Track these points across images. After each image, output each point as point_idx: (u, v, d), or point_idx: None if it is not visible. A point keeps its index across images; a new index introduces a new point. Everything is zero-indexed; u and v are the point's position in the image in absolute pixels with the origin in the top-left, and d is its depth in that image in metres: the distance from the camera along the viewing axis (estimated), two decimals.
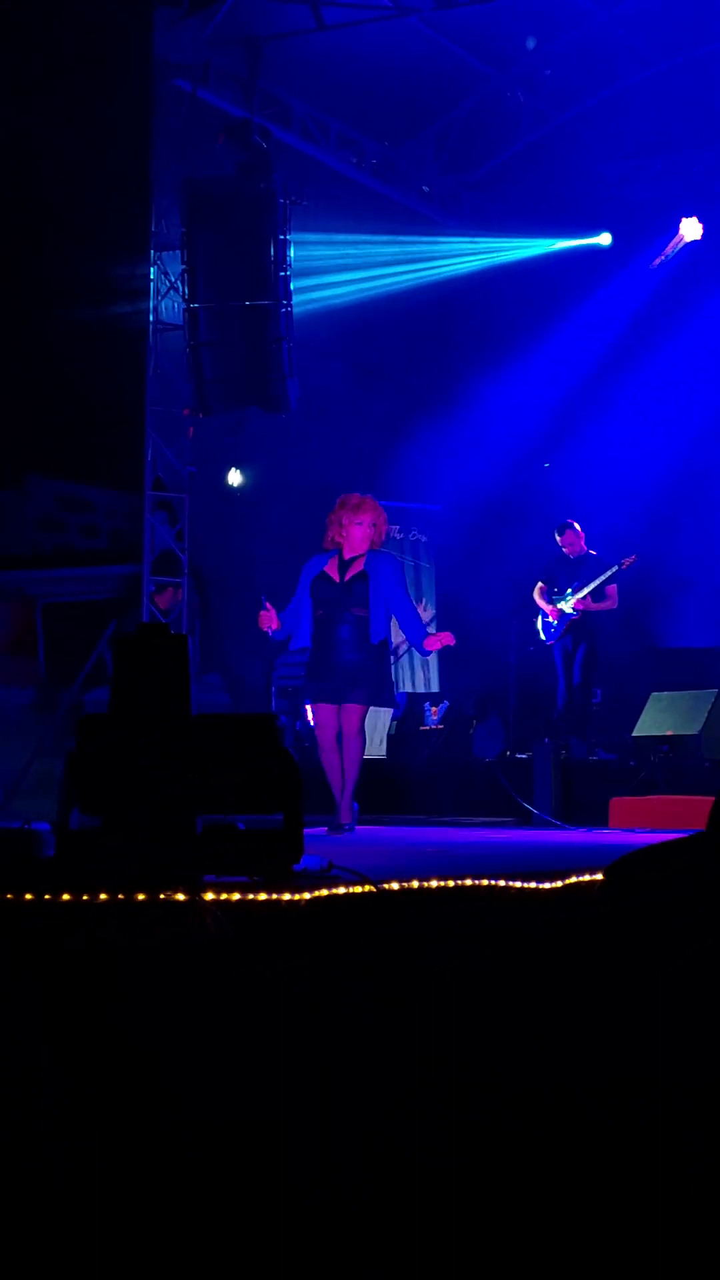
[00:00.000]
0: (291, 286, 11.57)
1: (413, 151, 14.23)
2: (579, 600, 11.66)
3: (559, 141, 14.08)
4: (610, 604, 11.86)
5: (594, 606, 11.77)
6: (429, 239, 14.68)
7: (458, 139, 14.25)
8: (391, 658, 8.72)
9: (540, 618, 11.93)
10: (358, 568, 8.53)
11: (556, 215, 14.85)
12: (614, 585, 11.76)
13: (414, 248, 14.59)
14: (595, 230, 15.14)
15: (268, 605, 8.63)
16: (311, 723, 8.59)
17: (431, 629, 14.59)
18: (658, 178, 14.86)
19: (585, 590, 11.66)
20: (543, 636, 11.92)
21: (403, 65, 12.63)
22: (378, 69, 12.56)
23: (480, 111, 13.98)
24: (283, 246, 11.41)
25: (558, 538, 12.04)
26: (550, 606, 11.79)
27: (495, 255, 15.06)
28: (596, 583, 11.66)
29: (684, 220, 14.91)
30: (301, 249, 12.06)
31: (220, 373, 11.48)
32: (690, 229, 14.93)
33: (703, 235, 14.90)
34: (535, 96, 13.81)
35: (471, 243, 14.95)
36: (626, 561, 11.66)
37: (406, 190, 14.30)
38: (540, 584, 11.97)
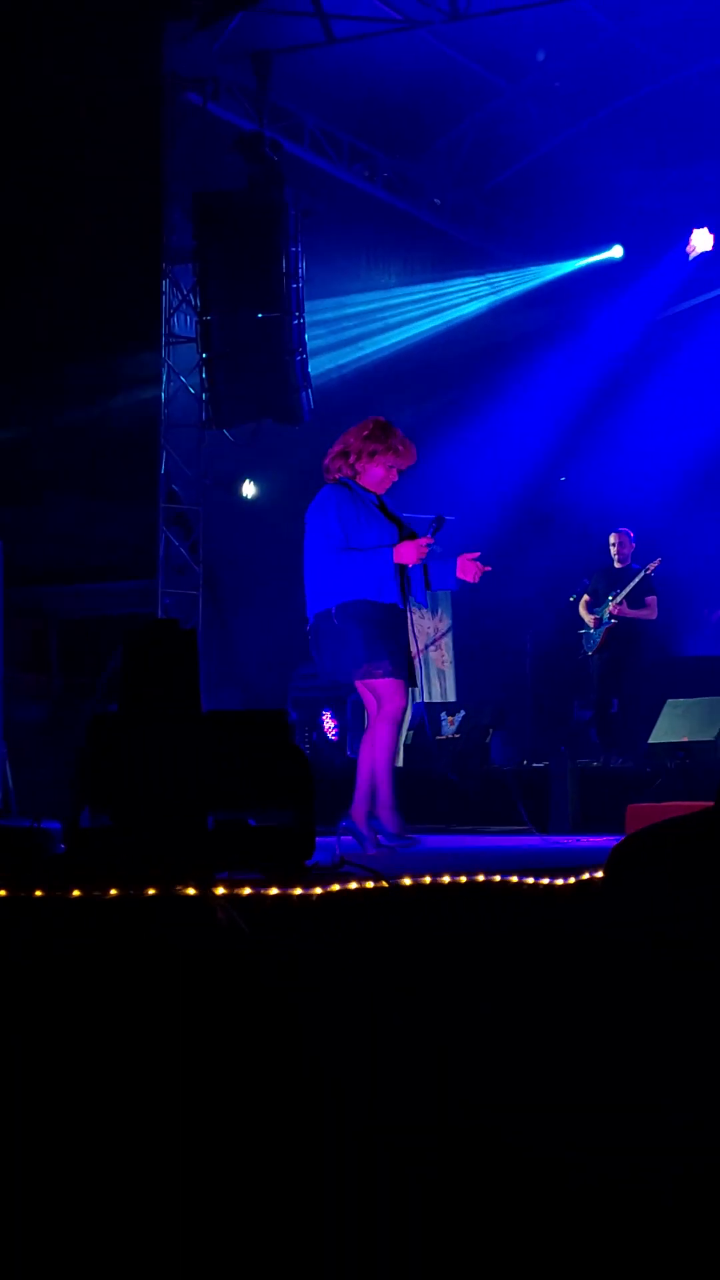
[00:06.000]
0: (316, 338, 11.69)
1: (425, 164, 14.26)
2: (615, 606, 11.77)
3: (570, 153, 14.10)
4: (649, 614, 11.92)
5: (631, 614, 11.82)
6: (457, 281, 14.82)
7: (469, 151, 14.27)
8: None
9: (583, 629, 12.03)
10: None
11: (568, 227, 14.88)
12: (653, 596, 11.85)
13: (439, 298, 14.75)
14: (608, 242, 15.18)
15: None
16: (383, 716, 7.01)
17: (447, 640, 14.67)
18: (669, 189, 14.86)
19: (621, 595, 11.76)
20: (586, 648, 12.02)
21: (413, 78, 12.66)
22: (388, 82, 12.60)
23: (492, 124, 14.00)
24: (294, 259, 11.45)
25: (612, 540, 12.08)
26: (592, 616, 11.90)
27: (516, 287, 15.17)
28: (630, 587, 11.75)
29: (695, 231, 14.94)
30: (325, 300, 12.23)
31: (233, 385, 11.51)
32: (702, 240, 14.96)
33: (714, 246, 14.93)
34: (546, 108, 13.82)
35: (491, 280, 15.06)
36: (651, 566, 11.72)
37: (418, 203, 14.33)
38: (586, 596, 12.05)
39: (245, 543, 13.05)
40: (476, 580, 7.05)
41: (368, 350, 14.23)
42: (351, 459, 6.84)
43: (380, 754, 6.75)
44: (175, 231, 11.70)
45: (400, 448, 6.83)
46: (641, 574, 11.74)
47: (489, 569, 7.06)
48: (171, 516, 11.73)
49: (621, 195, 14.76)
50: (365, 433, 6.86)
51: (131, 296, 11.59)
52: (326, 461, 6.95)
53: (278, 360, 11.42)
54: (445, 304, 14.90)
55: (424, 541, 6.76)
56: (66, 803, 4.61)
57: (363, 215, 13.77)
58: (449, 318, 14.90)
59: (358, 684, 6.81)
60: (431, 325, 14.78)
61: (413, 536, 6.84)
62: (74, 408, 11.83)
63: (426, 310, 14.76)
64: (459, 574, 7.00)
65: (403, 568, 6.80)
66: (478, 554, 7.02)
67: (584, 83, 13.40)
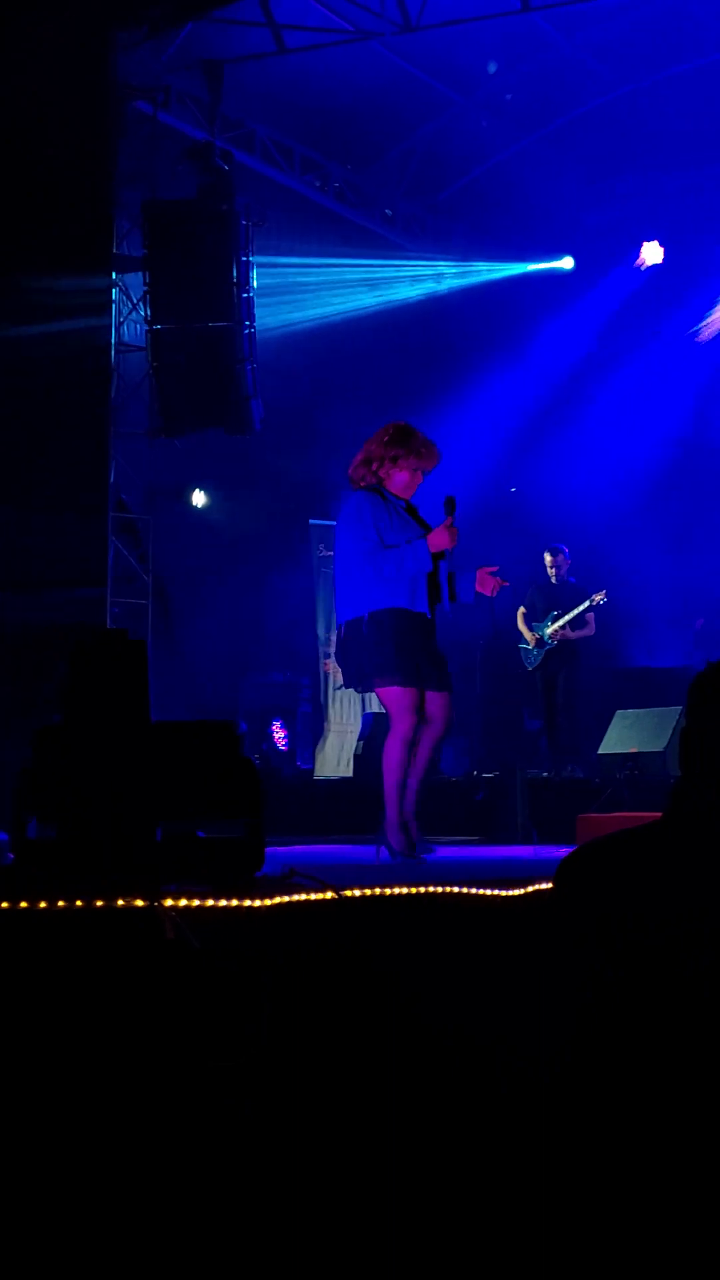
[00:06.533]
0: (256, 310, 11.60)
1: (376, 175, 14.27)
2: (556, 630, 11.80)
3: (521, 166, 14.15)
4: (589, 631, 11.99)
5: (572, 635, 11.89)
6: (394, 264, 14.74)
7: (421, 162, 14.29)
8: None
9: (522, 644, 12.05)
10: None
11: (519, 239, 14.92)
12: (593, 613, 11.90)
13: (379, 272, 14.65)
14: (558, 253, 15.23)
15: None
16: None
17: None
18: (619, 202, 14.95)
19: (564, 620, 11.80)
20: (526, 664, 12.04)
21: (365, 89, 12.68)
22: (340, 92, 12.61)
23: (443, 135, 14.03)
24: (245, 268, 11.45)
25: (548, 559, 12.12)
26: (532, 635, 11.91)
27: (460, 279, 15.13)
28: (573, 614, 11.79)
29: (645, 244, 15.02)
30: (267, 274, 12.10)
31: (183, 394, 11.48)
32: (651, 253, 15.03)
33: (663, 259, 15.01)
34: (498, 121, 13.87)
35: (434, 266, 15.02)
36: (597, 598, 11.76)
37: (370, 214, 14.34)
38: (522, 609, 12.07)
39: (194, 552, 13.02)
40: (494, 594, 7.04)
41: (314, 315, 14.07)
42: (374, 466, 6.81)
43: (389, 772, 6.71)
44: (125, 240, 11.66)
45: (423, 450, 6.81)
46: (586, 605, 11.76)
47: (507, 584, 7.08)
48: (120, 525, 11.67)
49: (572, 208, 14.84)
50: (386, 438, 6.83)
51: (81, 305, 11.53)
52: (350, 472, 6.91)
53: (227, 369, 11.40)
54: (387, 281, 14.80)
55: (446, 524, 6.66)
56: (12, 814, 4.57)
57: (314, 225, 13.76)
58: (389, 295, 14.82)
59: (378, 693, 6.75)
60: (372, 300, 14.67)
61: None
62: (19, 422, 11.74)
63: (368, 286, 14.66)
64: (477, 587, 7.00)
65: (433, 576, 6.76)
66: (496, 567, 7.02)
67: (535, 96, 13.47)
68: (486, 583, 6.99)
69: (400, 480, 6.80)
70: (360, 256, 14.38)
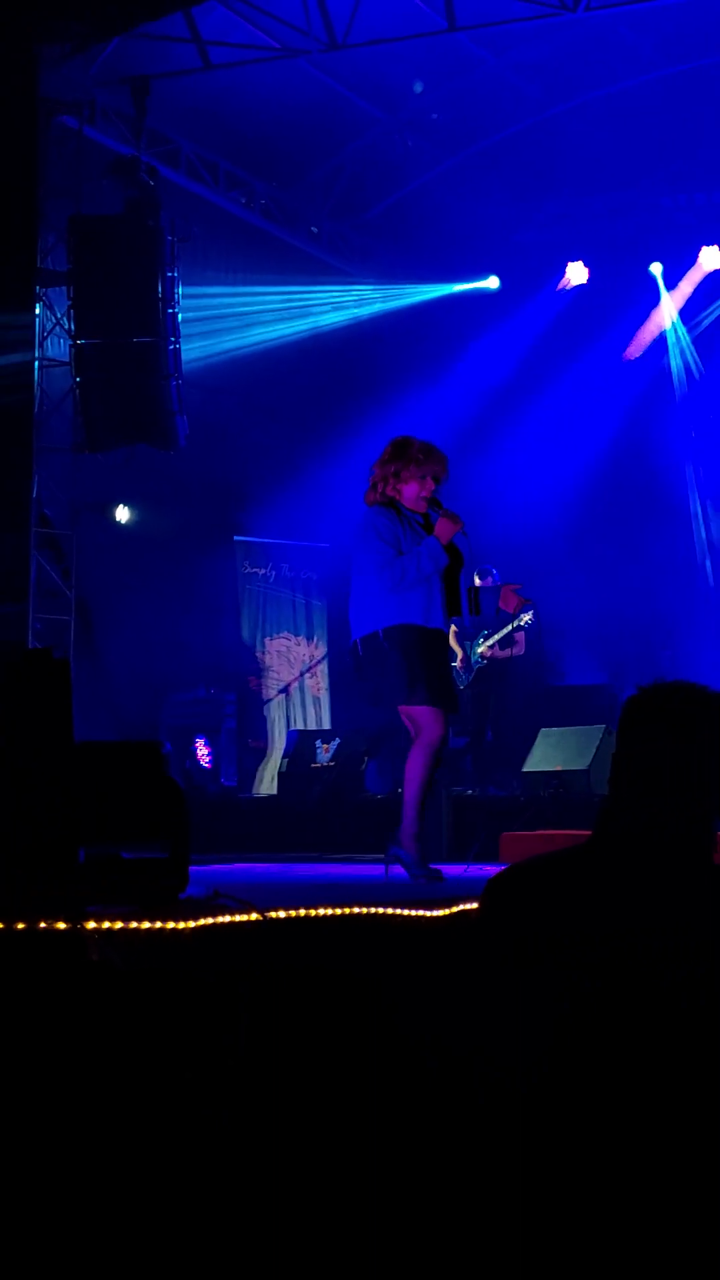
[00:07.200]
0: (183, 330, 11.59)
1: (302, 192, 14.27)
2: (486, 649, 11.87)
3: (448, 185, 14.19)
4: (518, 650, 12.05)
5: (501, 654, 11.95)
6: (321, 289, 14.76)
7: (347, 181, 14.30)
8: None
9: (452, 664, 12.07)
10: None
11: (445, 258, 14.95)
12: (522, 633, 11.93)
13: (307, 298, 14.67)
14: (483, 273, 15.28)
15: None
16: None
17: (322, 667, 14.65)
18: (545, 222, 15.03)
19: (493, 639, 11.86)
20: (455, 682, 12.04)
21: (292, 106, 12.67)
22: (267, 110, 12.60)
23: (369, 154, 14.05)
24: (170, 284, 11.41)
25: (476, 580, 12.14)
26: (462, 652, 11.95)
27: (385, 304, 15.16)
28: (501, 634, 11.84)
29: (570, 264, 15.11)
30: (193, 304, 12.11)
31: (108, 409, 11.43)
32: (576, 273, 15.13)
33: (588, 279, 15.11)
34: (424, 140, 13.91)
35: (360, 291, 15.04)
36: (524, 618, 11.79)
37: (296, 231, 14.33)
38: (454, 627, 12.09)
39: (118, 568, 12.94)
40: (516, 612, 7.12)
41: (237, 345, 14.08)
42: (381, 487, 6.79)
43: (412, 782, 6.70)
44: (50, 254, 11.59)
45: (421, 456, 6.76)
46: (514, 625, 11.78)
47: (531, 602, 7.12)
48: (43, 541, 11.58)
49: (498, 228, 14.88)
50: (384, 458, 6.82)
51: (4, 320, 11.44)
52: (364, 497, 6.87)
53: (152, 385, 11.36)
54: (311, 308, 14.81)
55: (443, 514, 6.68)
56: None
57: (239, 242, 13.75)
58: (314, 323, 14.84)
59: (400, 710, 6.72)
60: (296, 329, 14.69)
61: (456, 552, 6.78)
62: None
63: (292, 314, 14.66)
64: (500, 603, 7.05)
65: (451, 586, 6.75)
66: (520, 585, 7.06)
67: (462, 115, 13.51)
68: (510, 600, 7.04)
69: (410, 493, 6.77)
70: (286, 276, 14.37)
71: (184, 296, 11.83)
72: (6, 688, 4.44)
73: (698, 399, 15.40)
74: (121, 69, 11.72)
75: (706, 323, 15.22)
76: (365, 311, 15.15)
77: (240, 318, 13.99)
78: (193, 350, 12.35)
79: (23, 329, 11.32)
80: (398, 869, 6.73)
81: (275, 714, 13.96)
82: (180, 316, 11.70)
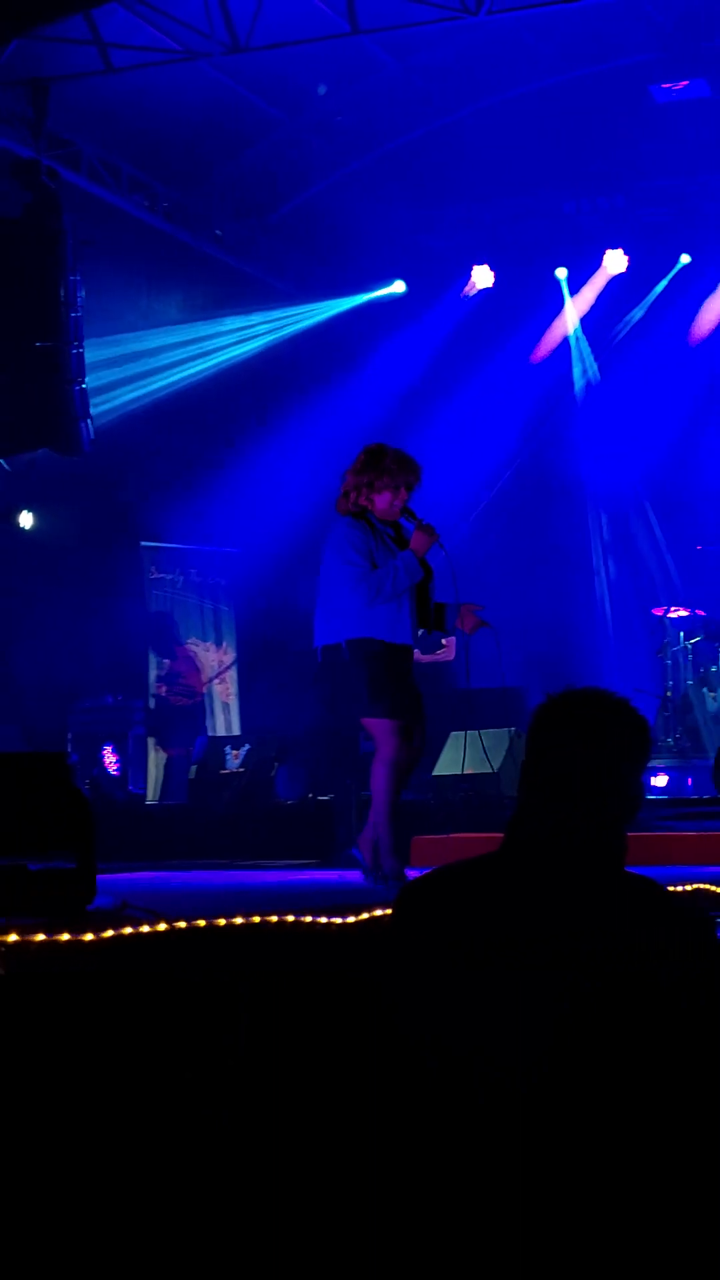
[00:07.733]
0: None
1: (205, 195, 14.18)
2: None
3: (353, 188, 14.16)
4: (447, 655, 11.99)
5: (426, 659, 11.89)
6: (234, 317, 14.79)
7: (251, 183, 14.24)
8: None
9: None
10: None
11: (351, 261, 14.94)
12: (451, 638, 11.89)
13: (217, 325, 14.71)
14: (390, 277, 15.28)
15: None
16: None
17: (231, 673, 14.58)
18: (451, 226, 15.06)
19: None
20: None
21: (194, 108, 12.59)
22: (169, 112, 12.51)
23: (273, 156, 14.00)
24: (72, 287, 11.30)
25: None
26: None
27: (294, 324, 15.17)
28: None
29: (476, 268, 15.15)
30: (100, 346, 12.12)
31: (10, 414, 11.30)
32: (482, 276, 15.17)
33: (494, 283, 15.16)
34: (328, 143, 13.88)
35: (267, 315, 15.05)
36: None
37: (199, 234, 14.23)
38: None
39: (22, 575, 12.80)
40: (471, 633, 7.05)
41: (149, 389, 14.13)
42: (354, 496, 6.75)
43: (377, 798, 6.69)
44: None
45: (394, 467, 6.73)
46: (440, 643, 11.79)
47: (488, 625, 7.08)
48: None
49: (404, 231, 14.90)
50: (357, 467, 6.78)
51: None
52: (336, 505, 6.84)
53: (56, 389, 11.25)
54: (224, 342, 14.85)
55: (418, 525, 6.70)
56: None
57: (143, 246, 13.64)
58: (229, 355, 14.87)
59: (364, 723, 6.70)
60: (211, 364, 14.72)
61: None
62: None
63: (206, 349, 14.69)
64: (457, 622, 7.03)
65: (422, 601, 6.78)
66: (482, 607, 7.05)
67: (366, 118, 13.51)
68: (466, 620, 7.02)
69: (383, 503, 6.75)
70: (199, 318, 14.42)
71: (94, 336, 11.82)
72: None
73: (595, 402, 15.53)
74: (20, 71, 11.57)
75: (624, 333, 15.31)
76: (279, 336, 15.17)
77: (153, 355, 14.07)
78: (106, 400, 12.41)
79: None
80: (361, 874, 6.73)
81: (183, 719, 13.87)
82: (89, 349, 11.64)
